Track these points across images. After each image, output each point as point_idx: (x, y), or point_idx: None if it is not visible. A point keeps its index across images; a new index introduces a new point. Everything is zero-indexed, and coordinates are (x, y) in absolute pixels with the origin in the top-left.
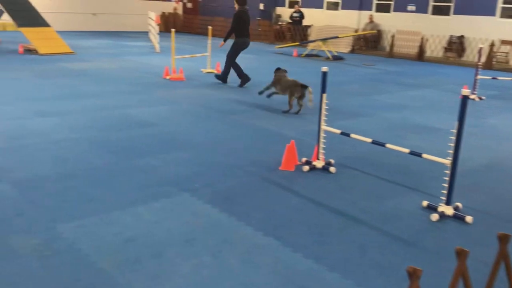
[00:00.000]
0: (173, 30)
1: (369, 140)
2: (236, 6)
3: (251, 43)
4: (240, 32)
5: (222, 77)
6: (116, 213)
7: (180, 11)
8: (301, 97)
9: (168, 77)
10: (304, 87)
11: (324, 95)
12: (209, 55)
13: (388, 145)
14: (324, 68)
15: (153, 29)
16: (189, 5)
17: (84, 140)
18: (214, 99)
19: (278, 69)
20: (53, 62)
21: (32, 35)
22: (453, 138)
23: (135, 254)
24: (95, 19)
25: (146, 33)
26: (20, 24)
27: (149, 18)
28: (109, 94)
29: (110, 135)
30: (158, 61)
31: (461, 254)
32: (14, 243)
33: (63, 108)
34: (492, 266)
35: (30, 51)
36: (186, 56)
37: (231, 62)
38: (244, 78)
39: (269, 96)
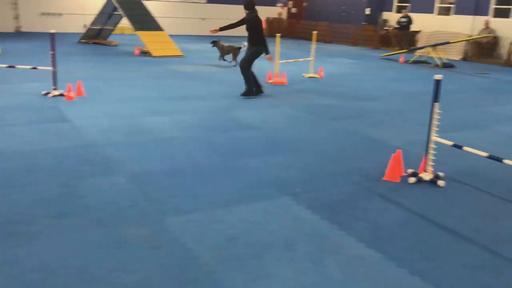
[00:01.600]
0: (278, 34)
1: (485, 154)
2: (247, 11)
3: (356, 48)
4: (259, 39)
5: (248, 92)
6: (219, 211)
7: (284, 16)
8: (236, 55)
9: (270, 81)
10: (238, 48)
11: (436, 105)
12: (312, 60)
13: (506, 161)
14: (438, 76)
15: None
16: (294, 10)
17: (192, 139)
18: (316, 104)
19: (215, 42)
20: (165, 64)
21: (147, 38)
22: None
23: (237, 253)
24: (204, 23)
25: None
26: (137, 28)
27: None
28: (215, 96)
29: (216, 135)
30: (261, 65)
31: None
32: (127, 232)
33: (173, 108)
34: None
35: (144, 53)
36: (290, 60)
37: (248, 69)
38: (251, 91)
39: (219, 59)
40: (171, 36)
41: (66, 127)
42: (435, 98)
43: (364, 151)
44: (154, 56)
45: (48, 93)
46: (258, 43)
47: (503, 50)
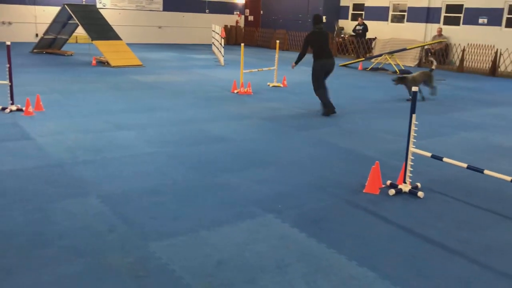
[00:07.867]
0: (242, 44)
1: (464, 165)
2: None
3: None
4: (315, 55)
5: (324, 110)
6: (203, 233)
7: (241, 24)
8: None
9: (236, 91)
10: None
11: (414, 116)
12: (275, 69)
13: (486, 171)
14: (415, 88)
15: (217, 42)
16: (251, 18)
17: (162, 154)
18: (284, 115)
19: (402, 79)
20: (124, 74)
21: (104, 48)
22: None
23: (228, 276)
24: (160, 31)
25: (209, 45)
26: (94, 38)
27: (213, 31)
28: (180, 107)
29: (188, 149)
30: (224, 75)
31: None
32: (110, 260)
33: (139, 121)
34: None
35: (102, 63)
36: (253, 70)
37: (315, 89)
38: (328, 108)
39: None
40: (128, 44)
41: (29, 145)
42: (413, 110)
43: (343, 163)
44: (113, 66)
45: (5, 108)
46: (316, 58)
47: (455, 56)
